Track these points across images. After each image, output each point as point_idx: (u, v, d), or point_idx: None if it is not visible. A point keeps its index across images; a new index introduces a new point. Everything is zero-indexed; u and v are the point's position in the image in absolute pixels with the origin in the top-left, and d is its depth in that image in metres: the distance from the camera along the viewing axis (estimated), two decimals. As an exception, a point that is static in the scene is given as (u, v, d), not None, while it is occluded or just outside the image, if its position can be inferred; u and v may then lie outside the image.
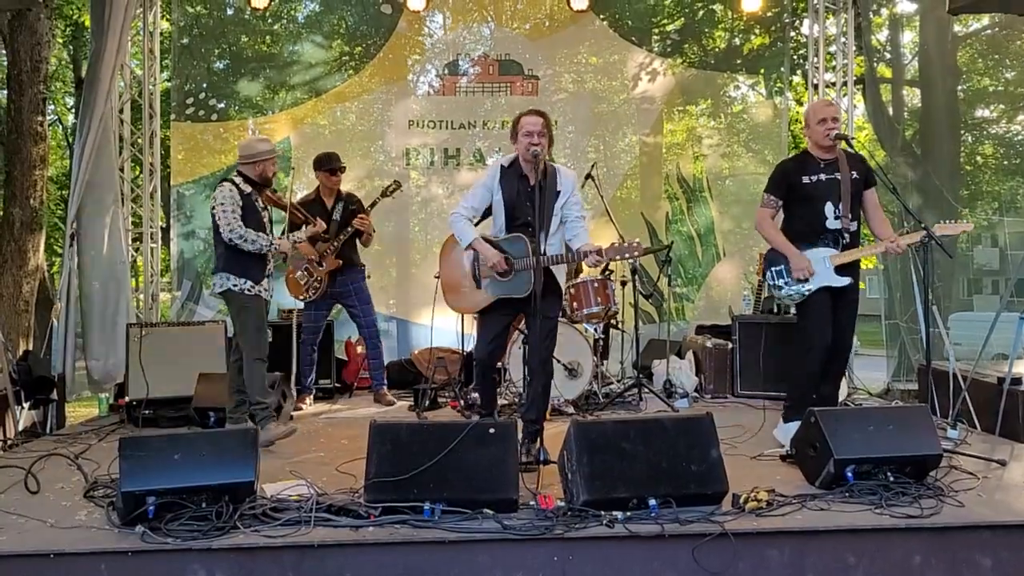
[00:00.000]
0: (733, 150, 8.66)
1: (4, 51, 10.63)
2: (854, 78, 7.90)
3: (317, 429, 5.60)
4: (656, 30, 8.68)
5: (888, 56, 9.36)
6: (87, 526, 3.33)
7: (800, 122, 9.87)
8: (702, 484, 3.43)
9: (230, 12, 8.44)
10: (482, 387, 4.73)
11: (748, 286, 7.58)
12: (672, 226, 8.32)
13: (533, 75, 8.27)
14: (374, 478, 3.37)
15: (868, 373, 7.55)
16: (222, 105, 8.19)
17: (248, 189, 5.00)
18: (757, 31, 8.77)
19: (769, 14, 8.38)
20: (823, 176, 4.61)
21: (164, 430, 5.31)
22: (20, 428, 5.40)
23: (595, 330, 6.43)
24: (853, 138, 5.87)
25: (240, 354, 5.05)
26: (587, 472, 3.36)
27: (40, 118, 9.38)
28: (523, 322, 5.09)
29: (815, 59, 8.01)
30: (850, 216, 4.58)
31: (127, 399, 5.79)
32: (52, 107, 14.57)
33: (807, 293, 4.61)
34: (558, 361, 5.41)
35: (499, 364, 5.03)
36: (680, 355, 7.13)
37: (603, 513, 3.26)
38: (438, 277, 4.73)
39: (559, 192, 4.30)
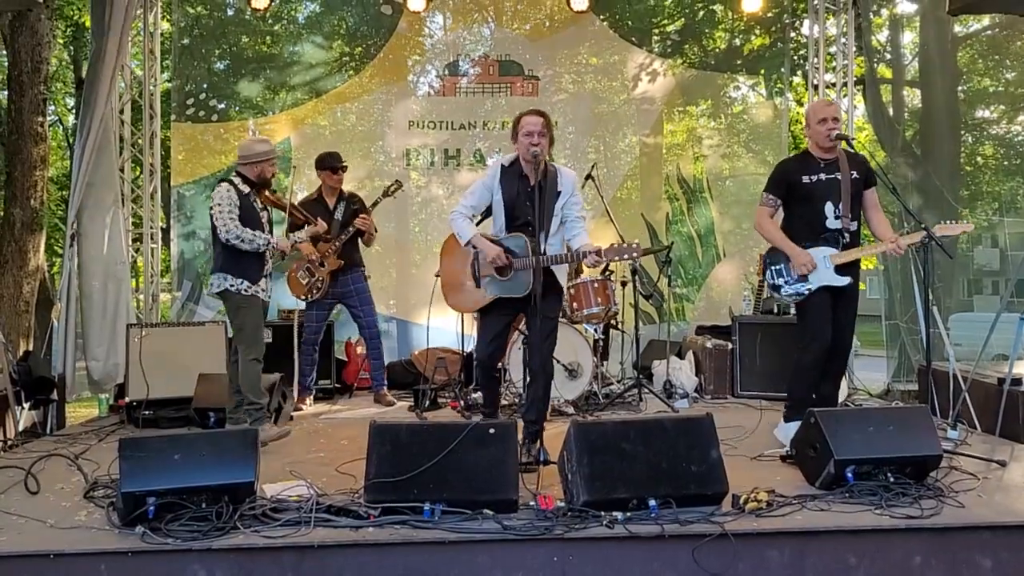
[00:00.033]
0: (733, 151, 8.66)
1: (5, 52, 10.64)
2: (854, 79, 7.90)
3: (317, 429, 5.60)
4: (656, 31, 8.69)
5: (888, 57, 9.35)
6: (87, 526, 3.33)
7: (800, 122, 9.89)
8: (702, 485, 3.43)
9: (230, 13, 8.45)
10: (485, 387, 4.73)
11: (748, 287, 7.57)
12: (672, 227, 8.32)
13: (533, 76, 8.28)
14: (374, 479, 3.37)
15: (868, 373, 7.56)
16: (222, 106, 8.20)
17: (246, 190, 5.01)
18: (757, 32, 8.77)
19: (769, 15, 8.38)
20: (823, 176, 4.61)
21: (164, 431, 5.31)
22: (20, 428, 5.41)
23: (595, 330, 6.43)
24: (853, 138, 5.86)
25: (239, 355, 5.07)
26: (587, 473, 3.36)
27: (40, 119, 9.38)
28: (523, 322, 5.08)
29: (815, 60, 8.01)
30: (850, 216, 4.58)
31: (127, 400, 5.79)
32: (52, 108, 14.58)
33: (807, 293, 4.61)
34: (558, 362, 5.41)
35: (500, 364, 5.02)
36: (680, 356, 7.13)
37: (603, 514, 3.26)
38: (438, 276, 4.73)
39: (559, 192, 4.30)
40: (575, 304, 5.98)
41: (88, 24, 8.90)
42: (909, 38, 9.71)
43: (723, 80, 8.64)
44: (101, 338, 6.62)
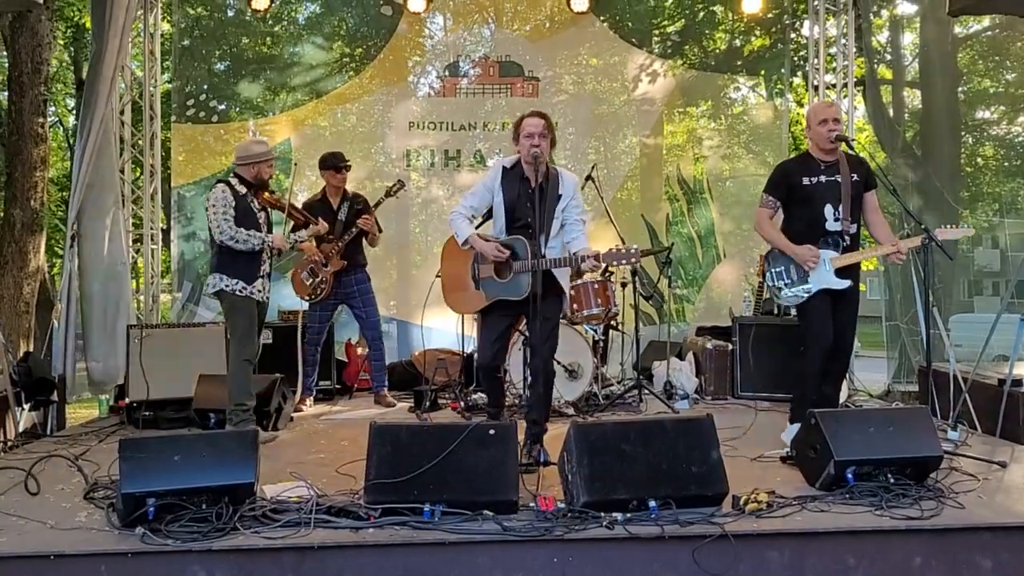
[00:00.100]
0: (734, 151, 8.67)
1: (5, 53, 10.64)
2: (854, 79, 7.90)
3: (317, 430, 5.60)
4: (656, 31, 8.69)
5: (888, 57, 9.35)
6: (87, 527, 3.33)
7: (800, 123, 9.90)
8: (702, 485, 3.43)
9: (231, 14, 8.46)
10: (488, 389, 4.73)
11: (748, 287, 7.57)
12: (672, 227, 8.32)
13: (533, 76, 8.28)
14: (374, 479, 3.37)
15: (868, 374, 7.55)
16: (223, 107, 8.21)
17: (243, 190, 5.03)
18: (757, 32, 8.77)
19: (769, 15, 8.39)
20: (823, 178, 4.60)
21: (164, 431, 5.32)
22: (20, 429, 5.41)
23: (595, 331, 6.43)
24: (854, 139, 5.87)
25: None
26: (587, 474, 3.36)
27: (41, 120, 9.38)
28: (524, 323, 5.08)
29: (815, 60, 8.02)
30: (850, 219, 4.58)
31: (127, 400, 5.79)
32: (53, 109, 14.58)
33: (807, 296, 4.60)
34: (558, 362, 5.41)
35: (502, 366, 5.03)
36: (680, 356, 7.13)
37: (603, 515, 3.26)
38: (439, 276, 4.73)
39: (560, 195, 4.31)
40: (575, 305, 5.98)
41: (88, 25, 8.90)
42: (909, 39, 9.71)
43: (723, 81, 8.65)
44: (101, 339, 6.63)
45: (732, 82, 8.74)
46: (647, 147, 8.48)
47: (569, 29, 8.37)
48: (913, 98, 8.81)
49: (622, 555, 3.18)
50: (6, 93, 10.76)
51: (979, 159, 9.31)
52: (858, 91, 8.39)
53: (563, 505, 3.38)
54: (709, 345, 6.91)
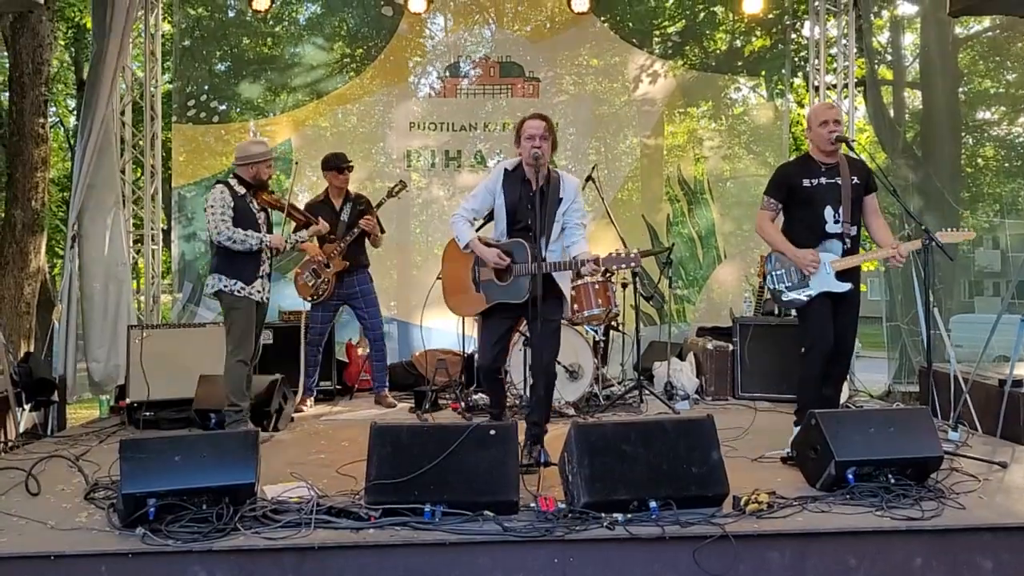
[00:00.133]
0: (734, 152, 8.67)
1: (6, 53, 10.65)
2: (855, 80, 7.90)
3: (318, 431, 5.60)
4: (657, 32, 8.69)
5: (889, 58, 9.35)
6: (88, 528, 3.33)
7: (801, 124, 9.90)
8: (703, 486, 3.43)
9: (231, 14, 8.46)
10: (490, 390, 4.74)
11: (749, 288, 7.57)
12: (673, 228, 8.32)
13: (534, 77, 8.28)
14: (375, 480, 3.37)
15: (869, 375, 7.55)
16: (223, 107, 8.21)
17: (242, 191, 5.05)
18: (758, 33, 8.77)
19: (770, 16, 8.39)
20: (824, 180, 4.59)
21: (165, 432, 5.31)
22: (21, 430, 5.41)
23: (596, 332, 6.43)
24: (854, 140, 5.86)
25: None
26: (587, 474, 3.36)
27: (42, 120, 9.39)
28: (524, 324, 5.08)
29: (816, 61, 8.02)
30: (850, 221, 4.57)
31: (128, 401, 5.79)
32: (54, 109, 14.58)
33: (807, 299, 4.59)
34: (559, 363, 5.41)
35: (503, 367, 5.04)
36: (681, 357, 7.13)
37: (603, 515, 3.26)
38: (439, 278, 4.73)
39: (561, 199, 4.31)
40: (576, 306, 5.98)
41: (89, 26, 8.92)
42: (910, 39, 9.72)
43: (724, 81, 8.65)
44: (102, 339, 6.63)
45: (733, 83, 8.74)
46: (648, 148, 8.48)
47: (570, 30, 8.37)
48: (914, 99, 8.81)
49: (623, 556, 3.18)
50: (7, 94, 10.77)
51: (980, 160, 9.31)
52: (859, 92, 8.39)
53: (564, 506, 3.38)
54: (710, 346, 6.91)
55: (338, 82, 8.30)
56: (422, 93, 8.47)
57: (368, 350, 6.76)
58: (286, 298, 7.35)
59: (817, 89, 7.99)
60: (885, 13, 9.09)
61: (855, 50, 7.86)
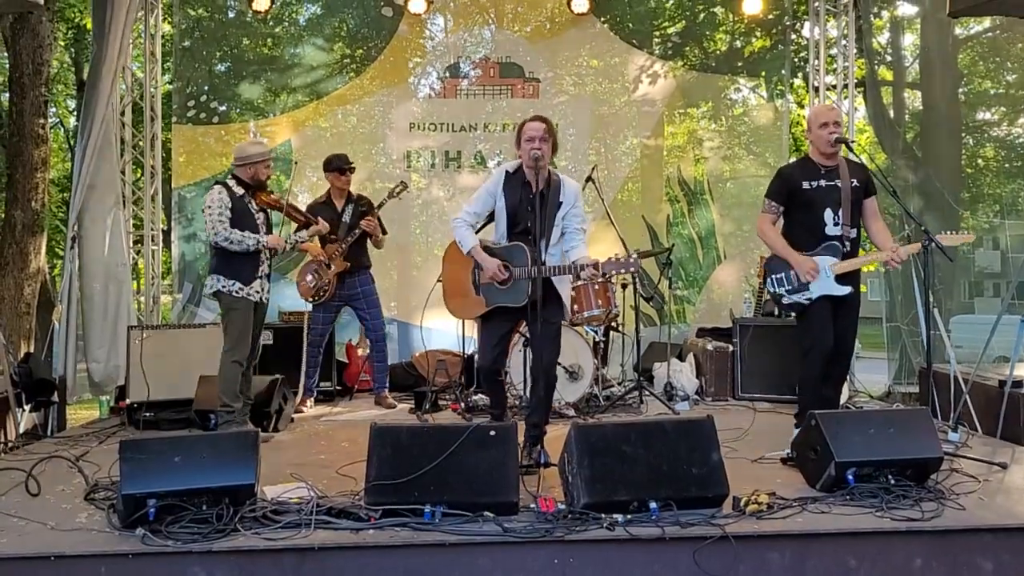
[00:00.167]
0: (734, 152, 8.67)
1: (6, 54, 10.66)
2: (855, 81, 7.90)
3: (318, 431, 5.60)
4: (657, 33, 8.69)
5: (889, 59, 9.35)
6: (88, 528, 3.33)
7: (801, 125, 9.90)
8: (703, 487, 3.43)
9: (231, 15, 8.46)
10: (490, 391, 4.74)
11: (749, 289, 7.57)
12: (673, 229, 8.31)
13: (534, 78, 8.28)
14: (375, 481, 3.37)
15: (869, 376, 7.55)
16: (223, 108, 8.21)
17: (240, 191, 5.05)
18: (758, 34, 8.77)
19: (770, 17, 8.39)
20: (823, 182, 4.59)
21: (165, 432, 5.31)
22: (21, 430, 5.41)
23: (596, 333, 6.43)
24: (854, 141, 5.86)
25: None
26: (587, 475, 3.36)
27: (42, 121, 9.39)
28: (524, 325, 5.08)
29: (816, 62, 8.02)
30: (850, 224, 4.57)
31: (128, 401, 5.79)
32: (54, 110, 14.59)
33: (807, 303, 4.59)
34: (559, 364, 5.41)
35: (503, 369, 5.04)
36: (681, 358, 7.13)
37: (603, 516, 3.26)
38: (440, 281, 4.73)
39: (561, 203, 4.31)
40: (576, 306, 5.97)
41: (89, 26, 8.93)
42: (910, 40, 9.72)
43: (724, 82, 8.65)
44: (102, 340, 6.63)
45: (732, 83, 8.74)
46: (648, 148, 8.48)
47: (570, 30, 8.37)
48: (914, 99, 8.81)
49: (623, 556, 3.18)
50: (7, 94, 10.77)
51: (980, 160, 9.31)
52: (859, 92, 8.39)
53: (564, 506, 3.38)
54: (710, 346, 6.91)
55: (338, 83, 8.30)
56: (422, 94, 8.47)
57: (368, 351, 6.75)
58: (286, 298, 7.36)
59: (817, 90, 7.99)
60: (885, 14, 9.10)
61: (855, 51, 7.86)
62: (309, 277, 6.31)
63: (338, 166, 6.37)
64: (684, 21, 8.79)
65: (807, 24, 8.43)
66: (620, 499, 3.33)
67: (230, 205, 4.97)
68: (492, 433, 3.47)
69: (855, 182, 4.59)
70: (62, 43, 13.56)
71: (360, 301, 6.41)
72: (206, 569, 3.06)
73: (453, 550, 3.14)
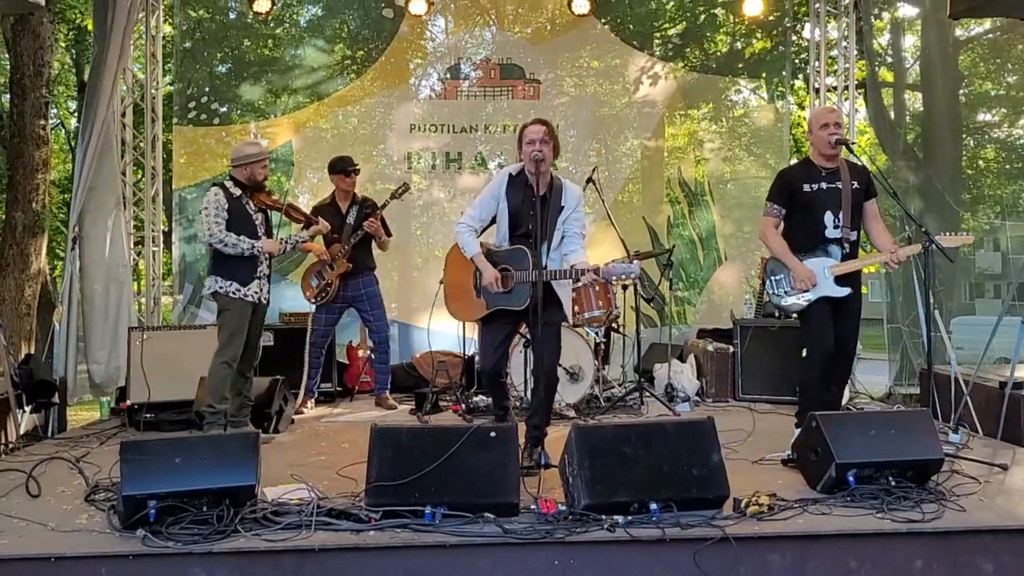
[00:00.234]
0: (735, 154, 8.67)
1: (7, 55, 10.66)
2: (856, 82, 7.90)
3: (318, 433, 5.60)
4: (658, 34, 8.69)
5: (890, 60, 9.36)
6: (88, 530, 3.33)
7: (802, 126, 9.90)
8: (703, 488, 3.43)
9: (232, 16, 8.47)
10: (492, 392, 4.74)
11: (750, 290, 7.58)
12: (673, 230, 8.31)
13: (535, 79, 8.28)
14: (375, 482, 3.37)
15: (870, 377, 7.55)
16: (224, 109, 8.22)
17: (238, 192, 5.05)
18: (759, 35, 8.77)
19: (771, 18, 8.39)
20: (824, 185, 4.59)
21: (165, 434, 5.31)
22: (21, 432, 5.41)
23: (596, 334, 6.42)
24: (854, 143, 5.86)
25: (242, 357, 5.08)
26: (588, 476, 3.36)
27: (43, 122, 9.40)
28: (524, 326, 5.09)
29: (816, 63, 8.02)
30: (850, 226, 4.57)
31: (128, 403, 5.79)
32: (55, 111, 14.60)
33: (806, 304, 4.60)
34: (560, 365, 5.41)
35: (504, 370, 5.05)
36: (682, 359, 7.13)
37: (604, 517, 3.26)
38: (442, 283, 4.74)
39: (563, 206, 4.32)
40: (577, 307, 5.98)
41: (90, 28, 8.94)
42: (910, 41, 9.72)
43: (724, 83, 8.65)
44: (102, 341, 6.63)
45: (733, 85, 8.74)
46: (648, 149, 8.48)
47: (570, 32, 8.38)
48: (914, 101, 8.81)
49: (623, 558, 3.17)
50: (8, 96, 10.77)
51: (980, 162, 9.30)
52: (859, 94, 8.38)
53: (564, 508, 3.38)
54: (710, 347, 6.90)
55: (339, 84, 8.30)
56: (423, 95, 8.48)
57: (368, 352, 6.74)
58: (287, 300, 7.36)
59: (818, 91, 7.99)
60: (886, 15, 9.10)
61: (856, 52, 7.86)
62: (312, 278, 6.32)
63: (342, 168, 6.37)
64: (685, 22, 8.79)
65: (808, 26, 8.43)
66: (620, 500, 3.33)
67: (226, 207, 4.96)
68: (492, 434, 3.47)
69: (856, 184, 4.59)
70: (63, 44, 13.57)
71: (364, 303, 6.40)
72: (206, 570, 3.06)
73: (453, 551, 3.14)
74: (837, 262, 4.55)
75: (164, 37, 7.92)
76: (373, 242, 6.41)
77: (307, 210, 5.87)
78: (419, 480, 3.33)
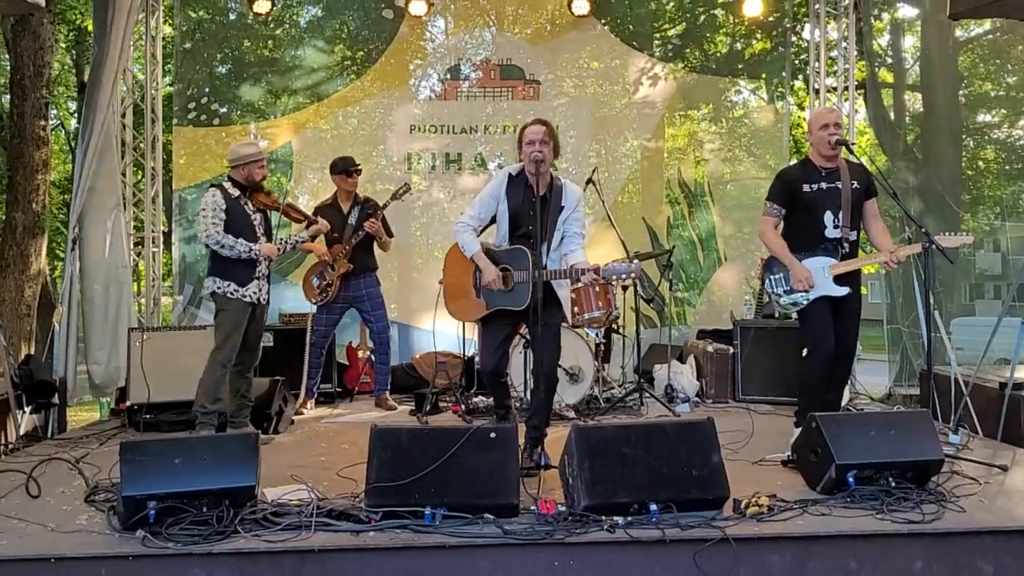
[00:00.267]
0: (735, 155, 8.67)
1: (7, 56, 10.66)
2: (855, 83, 7.90)
3: (318, 433, 5.60)
4: (657, 35, 8.70)
5: (890, 61, 9.36)
6: (88, 530, 3.33)
7: (802, 127, 9.90)
8: (703, 489, 3.43)
9: (232, 17, 8.47)
10: (494, 392, 4.74)
11: (749, 291, 7.57)
12: (673, 231, 8.32)
13: (534, 80, 8.29)
14: (375, 483, 3.37)
15: (870, 378, 7.55)
16: (224, 110, 8.22)
17: (236, 193, 5.05)
18: (758, 36, 8.77)
19: (770, 19, 8.39)
20: (823, 185, 4.60)
21: (165, 434, 5.31)
22: (21, 432, 5.41)
23: (596, 334, 6.42)
24: (854, 143, 5.86)
25: (241, 358, 5.09)
26: (588, 477, 3.36)
27: (43, 122, 9.40)
28: (525, 327, 5.09)
29: (816, 64, 8.02)
30: (850, 226, 4.57)
31: (128, 403, 5.78)
32: (55, 111, 14.60)
33: (805, 303, 4.60)
34: (559, 366, 5.41)
35: (505, 370, 5.05)
36: (681, 360, 7.13)
37: (604, 518, 3.26)
38: (442, 283, 4.74)
39: (563, 207, 4.33)
40: (576, 308, 5.98)
41: (90, 28, 8.94)
42: (910, 42, 9.72)
43: (724, 84, 8.65)
44: (102, 342, 6.63)
45: (733, 85, 8.74)
46: (648, 150, 8.48)
47: (570, 32, 8.38)
48: (914, 101, 8.81)
49: (623, 559, 3.17)
50: (8, 96, 10.77)
51: (980, 162, 9.31)
52: (859, 94, 8.39)
53: (564, 508, 3.38)
54: (710, 348, 6.90)
55: (339, 85, 8.30)
56: (423, 96, 8.48)
57: (368, 353, 6.73)
58: (287, 300, 7.36)
59: (817, 92, 7.99)
60: (885, 16, 9.10)
61: (855, 53, 7.86)
62: (314, 278, 6.32)
63: (344, 168, 6.38)
64: (684, 23, 8.79)
65: (807, 26, 8.43)
66: (620, 501, 3.33)
67: (224, 207, 4.96)
68: (492, 435, 3.47)
69: (856, 184, 4.60)
70: (63, 45, 13.57)
71: (365, 303, 6.39)
72: (206, 571, 3.06)
73: (453, 552, 3.14)
74: (836, 261, 4.55)
75: (164, 38, 7.93)
76: (375, 242, 6.41)
77: (308, 211, 5.87)
78: (419, 481, 3.33)
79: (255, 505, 3.38)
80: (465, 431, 3.48)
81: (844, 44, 7.89)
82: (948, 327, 6.71)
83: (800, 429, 4.51)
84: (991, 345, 5.55)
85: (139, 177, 7.94)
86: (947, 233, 4.61)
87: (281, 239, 5.42)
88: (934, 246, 4.43)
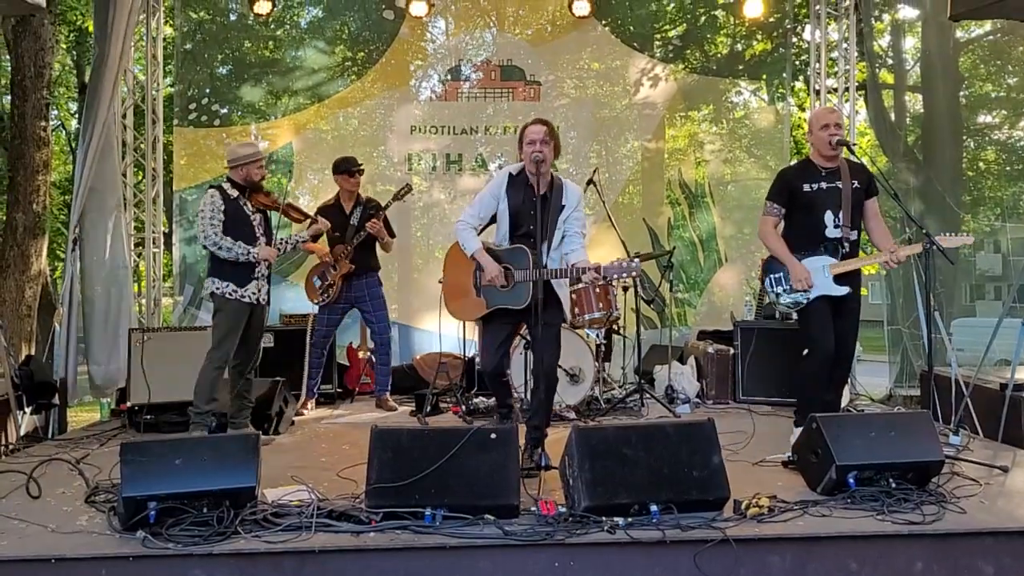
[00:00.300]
0: (735, 155, 8.67)
1: (8, 56, 10.66)
2: (856, 84, 7.90)
3: (319, 434, 5.60)
4: (658, 36, 8.70)
5: (890, 62, 9.36)
6: (88, 531, 3.33)
7: (802, 128, 9.89)
8: (704, 490, 3.42)
9: (233, 18, 8.47)
10: (495, 391, 4.75)
11: (750, 292, 7.58)
12: (674, 231, 8.32)
13: (535, 81, 8.29)
14: (375, 483, 3.36)
15: (870, 379, 7.55)
16: (225, 110, 8.22)
17: (235, 194, 5.06)
18: (759, 37, 8.78)
19: (771, 20, 8.40)
20: (824, 184, 4.60)
21: (166, 435, 5.30)
22: (22, 433, 5.41)
23: (597, 335, 6.42)
24: (855, 144, 5.86)
25: (241, 358, 5.09)
26: (588, 478, 3.36)
27: (43, 123, 9.40)
28: (525, 327, 5.09)
29: (817, 65, 8.02)
30: (850, 226, 4.57)
31: (129, 404, 5.78)
32: (55, 112, 14.61)
33: (805, 302, 4.60)
34: (560, 366, 5.41)
35: (506, 369, 5.05)
36: (682, 361, 7.12)
37: (604, 519, 3.26)
38: (442, 283, 4.74)
39: (564, 206, 4.33)
40: (577, 309, 5.98)
41: (91, 29, 8.92)
42: (911, 43, 9.72)
43: (725, 85, 8.66)
44: (103, 342, 6.63)
45: (734, 86, 8.75)
46: (649, 151, 8.49)
47: (571, 33, 8.38)
48: (915, 102, 8.82)
49: (623, 559, 3.17)
50: (9, 97, 10.78)
51: (981, 163, 9.30)
52: (860, 95, 8.39)
53: (564, 509, 3.38)
54: (711, 349, 6.90)
55: (339, 85, 8.31)
56: (423, 97, 8.48)
57: (368, 354, 6.72)
58: (287, 301, 7.36)
59: (818, 93, 7.99)
60: (886, 17, 9.10)
61: (856, 54, 7.86)
62: (316, 279, 6.32)
63: (346, 168, 6.37)
64: (685, 24, 8.80)
65: (808, 27, 8.43)
66: (621, 502, 3.33)
67: (223, 208, 4.96)
68: (493, 436, 3.47)
69: (856, 183, 4.60)
70: (64, 46, 13.58)
71: (367, 303, 6.39)
72: (207, 572, 3.06)
73: (454, 553, 3.14)
74: (836, 261, 4.55)
75: (165, 38, 7.93)
76: (377, 243, 6.41)
77: (311, 212, 5.86)
78: (419, 482, 3.33)
79: (255, 506, 3.38)
80: (465, 432, 3.48)
81: (845, 45, 7.89)
82: (948, 328, 6.70)
83: (800, 429, 4.52)
84: (991, 346, 5.55)
85: (140, 178, 7.94)
86: (947, 234, 4.61)
87: (281, 239, 5.42)
88: (935, 247, 4.43)
